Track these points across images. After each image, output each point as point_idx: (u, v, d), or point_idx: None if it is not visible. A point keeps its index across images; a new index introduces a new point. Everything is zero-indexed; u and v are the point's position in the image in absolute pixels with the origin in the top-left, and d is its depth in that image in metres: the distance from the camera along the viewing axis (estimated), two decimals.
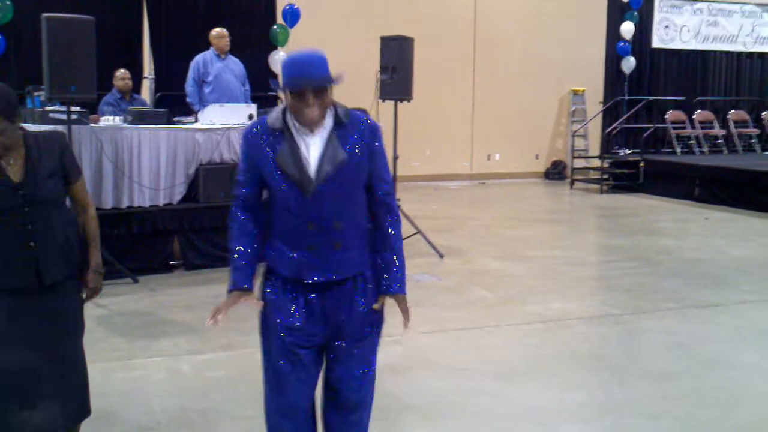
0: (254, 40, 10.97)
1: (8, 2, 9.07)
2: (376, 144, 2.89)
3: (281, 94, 2.80)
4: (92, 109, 8.05)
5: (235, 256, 2.91)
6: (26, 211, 3.14)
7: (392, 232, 2.96)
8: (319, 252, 2.83)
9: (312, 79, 2.72)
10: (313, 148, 2.79)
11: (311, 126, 2.78)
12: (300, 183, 2.76)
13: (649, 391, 4.68)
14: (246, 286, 2.88)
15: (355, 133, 2.85)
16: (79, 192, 3.39)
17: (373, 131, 2.89)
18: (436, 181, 14.59)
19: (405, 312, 3.04)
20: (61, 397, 3.26)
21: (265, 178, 2.85)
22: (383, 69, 8.47)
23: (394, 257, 2.95)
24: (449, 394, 4.62)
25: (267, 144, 2.82)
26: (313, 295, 2.88)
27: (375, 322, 3.04)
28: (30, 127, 4.24)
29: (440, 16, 14.33)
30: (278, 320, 2.89)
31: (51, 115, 7.03)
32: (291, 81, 2.72)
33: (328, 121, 2.83)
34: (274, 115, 2.85)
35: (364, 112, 3.01)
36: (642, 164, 13.90)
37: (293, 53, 2.80)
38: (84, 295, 3.38)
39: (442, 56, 13.91)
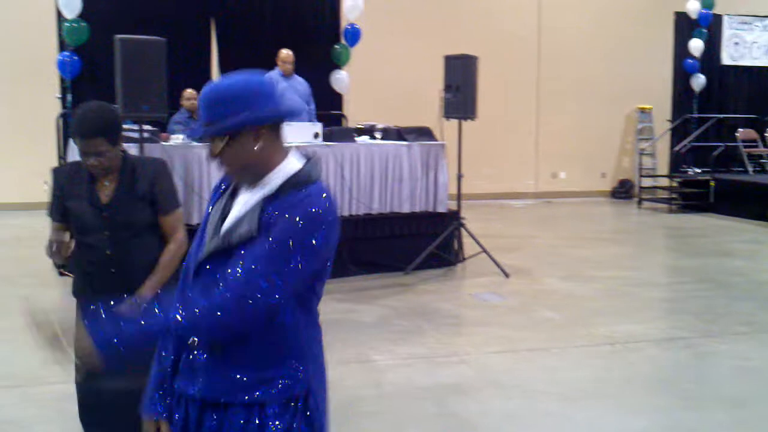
0: (318, 59, 11.08)
1: (84, 24, 9.36)
2: (282, 226, 1.95)
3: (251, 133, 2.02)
4: (162, 127, 8.24)
5: (156, 365, 2.17)
6: (107, 235, 3.17)
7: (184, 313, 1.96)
8: (193, 353, 2.07)
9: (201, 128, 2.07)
10: (235, 208, 2.07)
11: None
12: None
13: (722, 418, 4.55)
14: (159, 412, 2.15)
15: (283, 208, 1.97)
16: (166, 224, 3.27)
17: (306, 213, 1.95)
18: (500, 200, 14.50)
19: None
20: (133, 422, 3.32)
21: None
22: (447, 88, 8.48)
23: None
24: (516, 416, 4.56)
25: (218, 197, 2.17)
26: (187, 414, 2.09)
27: None
28: None
29: (504, 34, 14.30)
30: None
31: (123, 133, 7.19)
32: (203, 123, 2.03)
33: (270, 184, 2.03)
34: None
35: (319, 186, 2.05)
36: (712, 183, 13.59)
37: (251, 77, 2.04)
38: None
39: (506, 74, 13.86)
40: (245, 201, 2.05)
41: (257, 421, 2.00)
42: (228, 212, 2.08)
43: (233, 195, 2.11)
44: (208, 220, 2.13)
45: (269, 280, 1.92)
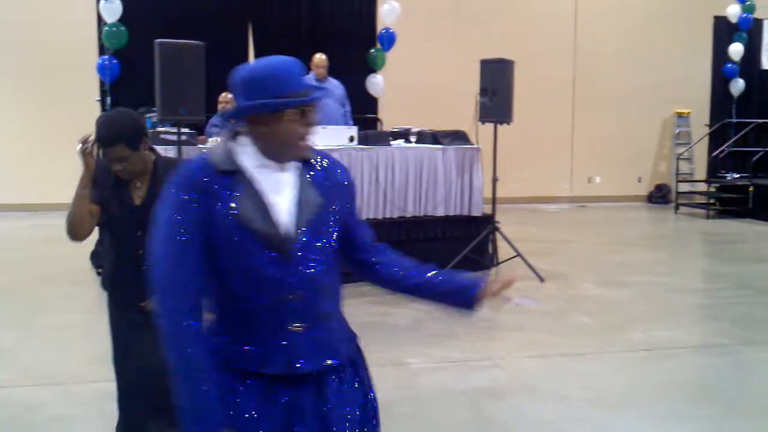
0: (354, 63, 11.12)
1: (123, 28, 9.48)
2: (348, 186, 2.28)
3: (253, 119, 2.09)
4: (200, 131, 8.33)
5: (204, 388, 2.05)
6: (139, 235, 3.22)
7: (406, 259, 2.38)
8: (306, 331, 2.13)
9: (313, 90, 2.12)
10: (285, 190, 2.12)
11: (301, 156, 2.16)
12: (273, 241, 2.07)
13: (765, 426, 4.49)
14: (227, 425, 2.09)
15: (327, 172, 2.22)
16: None
17: (345, 171, 2.29)
18: (535, 204, 14.44)
19: (504, 282, 2.39)
20: (171, 411, 3.38)
21: (216, 244, 2.06)
22: (483, 91, 8.46)
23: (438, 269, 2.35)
24: (551, 422, 4.54)
25: (217, 194, 2.06)
26: (297, 394, 2.15)
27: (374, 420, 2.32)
28: None
29: (540, 38, 14.24)
30: None
31: (162, 136, 7.30)
32: (293, 95, 2.06)
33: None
34: (218, 154, 2.11)
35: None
36: (751, 189, 13.41)
37: (258, 62, 2.14)
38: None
39: (541, 78, 13.79)
40: (288, 179, 2.14)
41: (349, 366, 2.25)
42: (264, 198, 2.08)
43: (234, 190, 2.08)
44: (228, 215, 2.05)
45: None
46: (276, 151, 2.10)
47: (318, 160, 2.22)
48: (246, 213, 2.05)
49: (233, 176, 2.07)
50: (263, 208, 2.07)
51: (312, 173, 2.18)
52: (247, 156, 2.11)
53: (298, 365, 2.11)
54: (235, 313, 2.12)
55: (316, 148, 2.25)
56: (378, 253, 2.35)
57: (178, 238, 2.04)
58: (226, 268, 2.08)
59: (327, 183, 2.20)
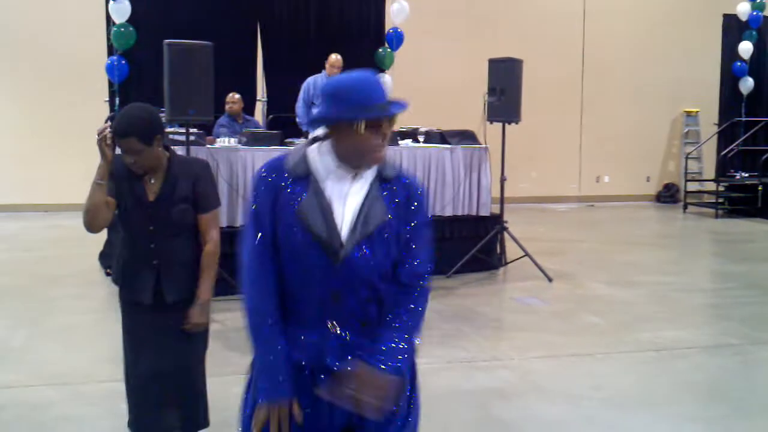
0: (362, 62, 11.10)
1: (131, 29, 9.50)
2: (420, 212, 2.32)
3: (330, 128, 2.23)
4: (208, 131, 8.33)
5: (274, 352, 2.26)
6: (151, 230, 3.29)
7: (407, 321, 2.28)
8: (342, 332, 2.25)
9: (392, 105, 2.26)
10: (351, 198, 2.23)
11: (373, 166, 2.27)
12: (327, 244, 2.19)
13: None
14: (292, 394, 2.25)
15: (401, 192, 2.30)
16: (202, 223, 3.37)
17: (422, 196, 2.34)
18: (543, 203, 14.42)
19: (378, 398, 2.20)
20: (180, 407, 3.41)
21: (279, 237, 2.24)
22: (491, 91, 8.45)
23: (399, 337, 2.25)
24: (560, 422, 4.53)
25: (287, 194, 2.24)
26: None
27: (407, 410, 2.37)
28: None
29: (549, 37, 14.21)
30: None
31: (170, 137, 7.31)
32: (371, 108, 2.19)
33: (368, 170, 2.29)
34: (294, 157, 2.28)
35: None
36: (760, 188, 13.36)
37: (343, 76, 2.26)
38: (186, 327, 3.34)
39: (549, 77, 13.77)
40: (356, 190, 2.24)
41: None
42: (328, 203, 2.21)
43: (303, 192, 2.22)
44: (298, 211, 2.20)
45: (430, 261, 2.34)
46: (349, 159, 2.22)
47: (399, 178, 2.31)
48: (308, 215, 2.20)
49: (305, 180, 2.24)
50: (325, 214, 2.20)
51: (387, 189, 2.28)
52: (322, 161, 2.25)
53: (327, 360, 2.23)
54: (286, 303, 2.27)
55: (401, 169, 2.36)
56: (400, 295, 2.29)
57: (258, 239, 2.25)
58: (283, 261, 2.25)
59: (399, 202, 2.28)
